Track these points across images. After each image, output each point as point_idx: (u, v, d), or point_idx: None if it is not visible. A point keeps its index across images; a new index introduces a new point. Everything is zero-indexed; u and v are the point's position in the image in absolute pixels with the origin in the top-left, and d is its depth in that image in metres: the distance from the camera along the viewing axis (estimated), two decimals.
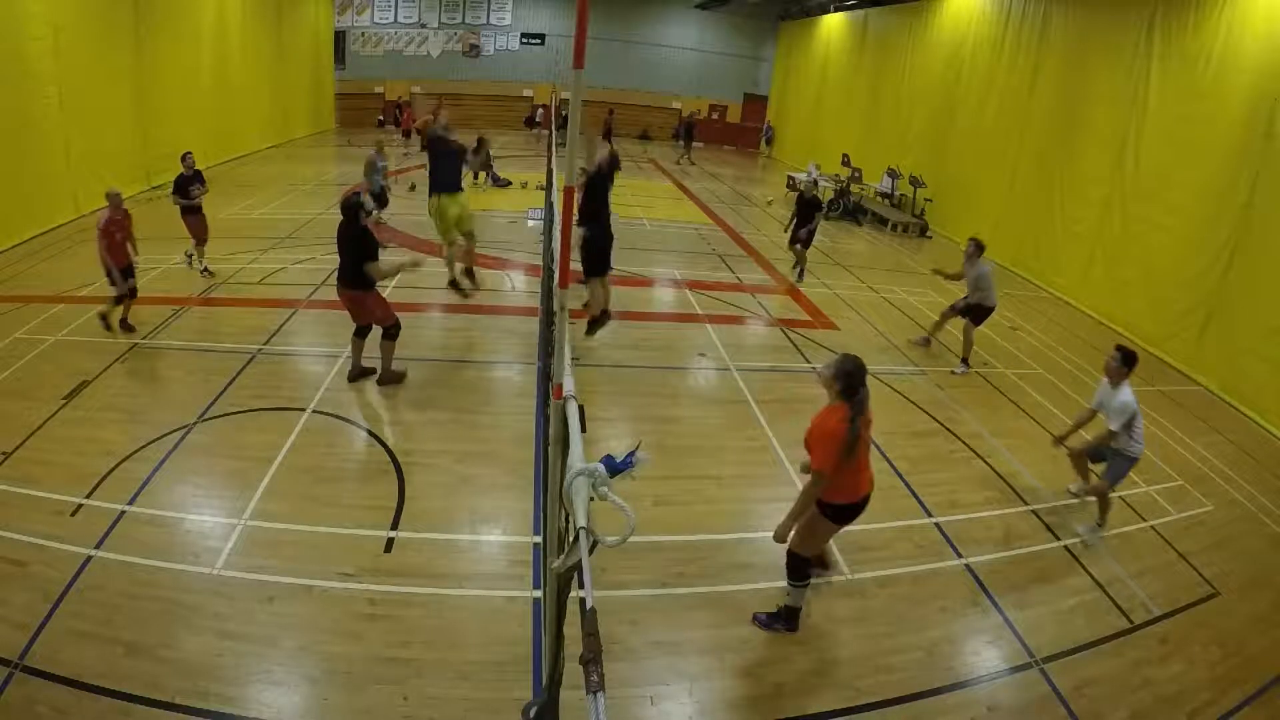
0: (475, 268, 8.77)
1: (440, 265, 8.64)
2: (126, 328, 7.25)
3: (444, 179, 7.86)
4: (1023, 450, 6.51)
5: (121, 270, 6.98)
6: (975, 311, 8.12)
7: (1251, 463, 6.97)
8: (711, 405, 6.81)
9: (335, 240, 6.11)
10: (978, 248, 7.99)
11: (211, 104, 15.40)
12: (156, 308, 7.70)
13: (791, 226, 10.73)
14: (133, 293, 7.24)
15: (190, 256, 9.11)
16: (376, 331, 6.41)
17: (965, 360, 8.22)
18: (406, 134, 20.71)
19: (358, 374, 6.53)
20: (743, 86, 28.47)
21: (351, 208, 5.94)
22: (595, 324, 7.33)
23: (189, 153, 8.88)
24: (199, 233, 8.86)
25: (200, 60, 14.94)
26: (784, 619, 4.09)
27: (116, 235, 6.95)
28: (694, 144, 26.02)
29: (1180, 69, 9.75)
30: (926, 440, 6.50)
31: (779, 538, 3.76)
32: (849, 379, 3.50)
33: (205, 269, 8.94)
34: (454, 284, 8.43)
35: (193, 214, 8.74)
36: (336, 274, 6.24)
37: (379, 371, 6.52)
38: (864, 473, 3.74)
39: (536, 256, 10.61)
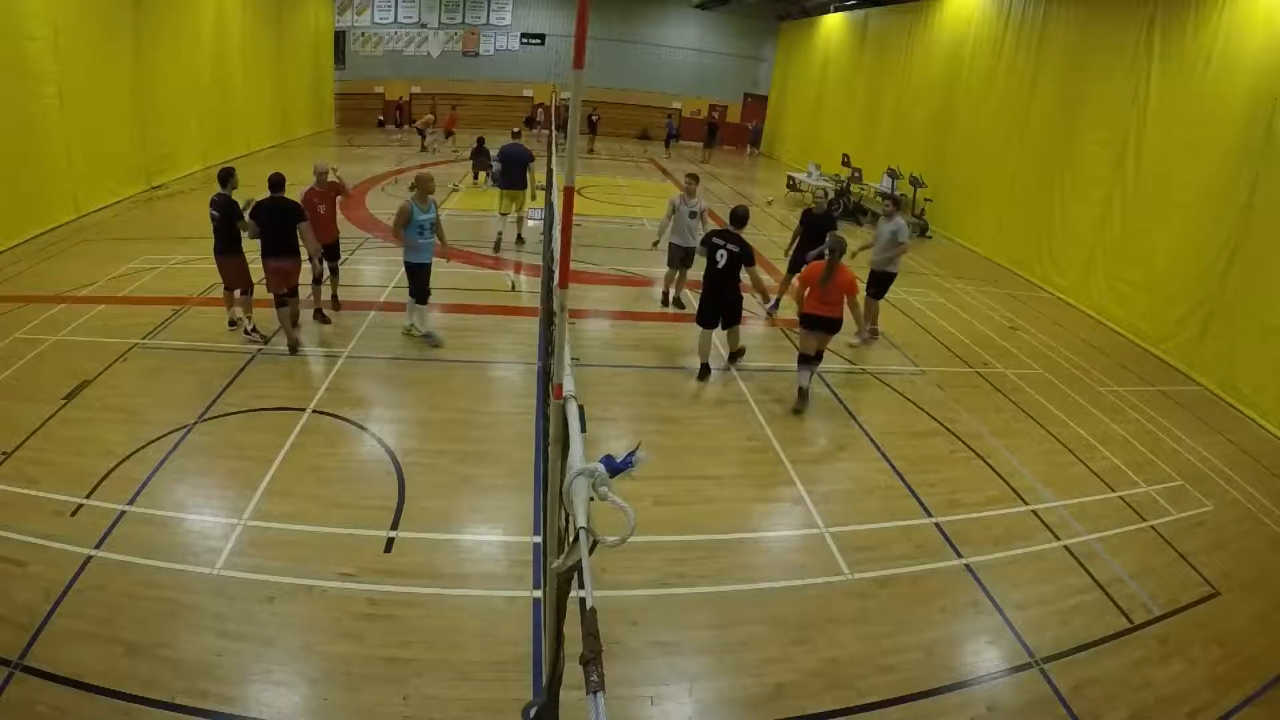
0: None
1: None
2: (322, 317, 7.65)
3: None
4: (1023, 450, 6.51)
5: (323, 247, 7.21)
6: (878, 282, 8.54)
7: (1251, 463, 6.97)
8: (711, 405, 6.82)
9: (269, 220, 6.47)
10: (895, 204, 8.51)
11: (211, 104, 15.37)
12: (156, 308, 7.70)
13: (793, 249, 8.98)
14: (333, 272, 7.76)
15: (239, 322, 7.12)
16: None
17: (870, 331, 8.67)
18: (448, 134, 20.82)
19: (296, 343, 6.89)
20: (743, 87, 28.48)
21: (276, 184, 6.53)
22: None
23: (231, 169, 6.79)
24: (233, 280, 6.90)
25: (200, 60, 14.91)
26: (800, 396, 6.61)
27: (319, 208, 7.22)
28: (686, 142, 26.09)
29: (1180, 69, 9.74)
30: (926, 440, 6.50)
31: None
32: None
33: (253, 329, 7.00)
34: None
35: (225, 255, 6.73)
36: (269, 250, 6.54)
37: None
38: (818, 302, 6.30)
39: (536, 256, 10.61)
